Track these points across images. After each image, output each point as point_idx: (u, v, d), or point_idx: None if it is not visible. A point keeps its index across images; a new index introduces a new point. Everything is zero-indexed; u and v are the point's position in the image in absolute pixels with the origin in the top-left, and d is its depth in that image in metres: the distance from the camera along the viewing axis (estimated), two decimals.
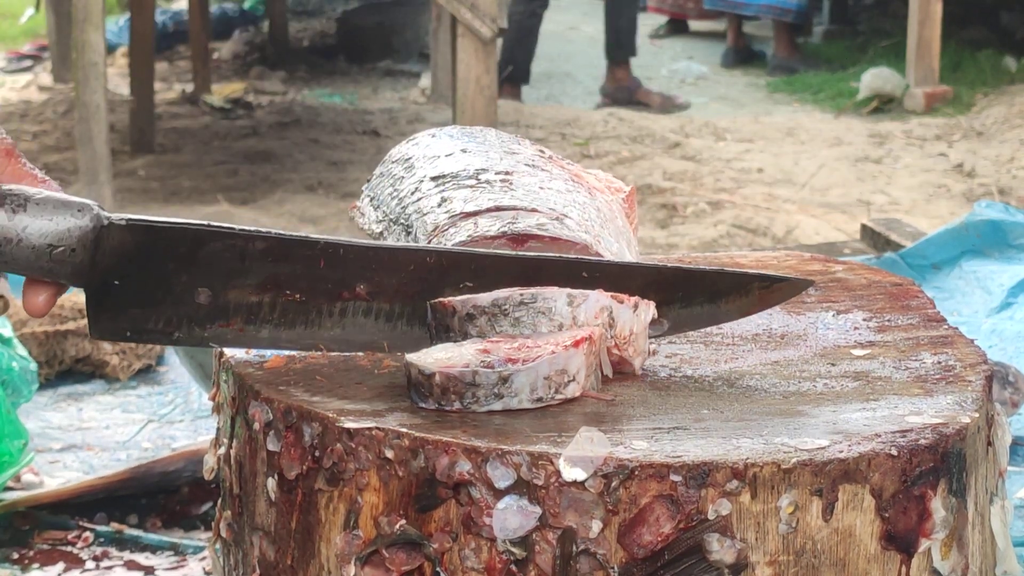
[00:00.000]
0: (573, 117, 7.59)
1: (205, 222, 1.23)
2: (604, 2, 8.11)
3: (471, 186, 1.37)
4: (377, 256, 1.23)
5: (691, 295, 1.26)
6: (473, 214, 1.32)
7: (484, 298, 1.19)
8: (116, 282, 1.21)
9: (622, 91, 8.10)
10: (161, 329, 1.22)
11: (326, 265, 1.23)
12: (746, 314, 1.28)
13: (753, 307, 1.28)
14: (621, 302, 1.20)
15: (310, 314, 1.23)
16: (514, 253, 1.26)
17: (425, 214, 1.35)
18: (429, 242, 1.32)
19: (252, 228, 1.23)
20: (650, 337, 1.25)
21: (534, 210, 1.32)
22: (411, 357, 1.15)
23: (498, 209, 1.32)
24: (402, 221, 1.38)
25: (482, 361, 1.13)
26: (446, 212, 1.33)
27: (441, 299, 1.21)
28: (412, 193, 1.40)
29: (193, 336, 1.23)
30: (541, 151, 1.49)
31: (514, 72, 8.10)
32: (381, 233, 1.42)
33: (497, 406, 1.12)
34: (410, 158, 1.47)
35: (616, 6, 8.14)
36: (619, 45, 8.21)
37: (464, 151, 1.44)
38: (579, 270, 1.24)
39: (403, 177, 1.44)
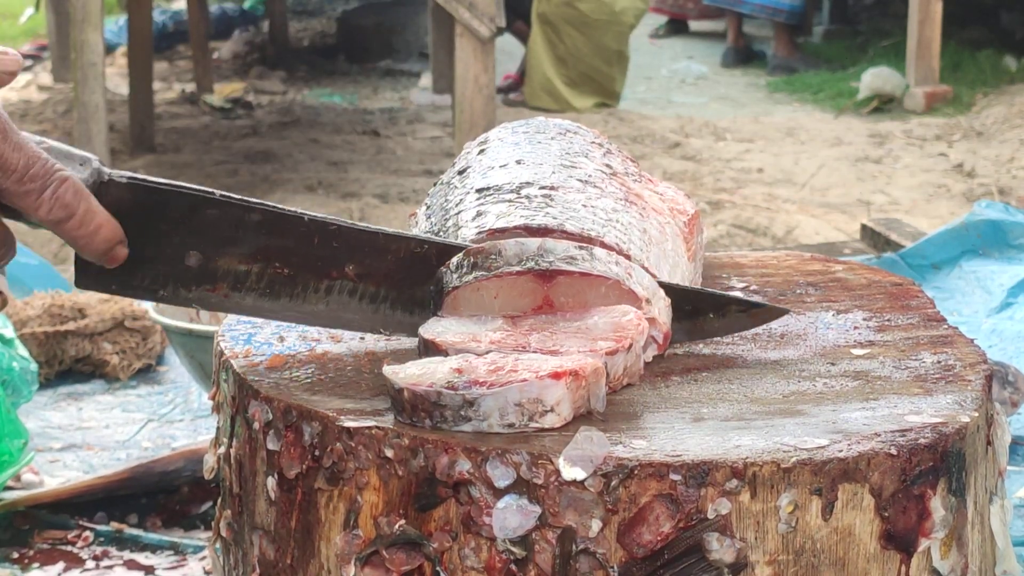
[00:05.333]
0: (573, 117, 7.59)
1: (205, 188, 1.24)
2: None
3: (509, 200, 1.35)
4: (370, 239, 1.25)
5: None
6: (502, 231, 1.30)
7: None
8: None
9: None
10: (147, 286, 1.24)
11: (319, 243, 1.24)
12: (725, 333, 1.33)
13: (731, 327, 1.32)
14: (614, 353, 1.18)
15: (296, 288, 1.25)
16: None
17: (460, 227, 1.34)
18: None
19: (251, 199, 1.24)
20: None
21: (563, 231, 1.30)
22: (387, 370, 1.13)
23: (527, 228, 1.30)
24: (442, 234, 1.36)
25: (448, 382, 1.11)
26: (477, 227, 1.31)
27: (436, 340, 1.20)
28: (456, 205, 1.38)
29: (178, 296, 1.25)
30: (608, 165, 1.45)
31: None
32: None
33: (467, 428, 1.09)
34: (467, 168, 1.45)
35: None
36: None
37: (519, 162, 1.42)
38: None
39: (456, 187, 1.42)
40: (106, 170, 1.21)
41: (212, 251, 1.24)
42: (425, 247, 1.26)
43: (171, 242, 1.23)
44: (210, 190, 1.24)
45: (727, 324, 1.32)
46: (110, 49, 8.92)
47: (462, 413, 1.09)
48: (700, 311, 1.31)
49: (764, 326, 1.37)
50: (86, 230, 1.20)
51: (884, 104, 8.09)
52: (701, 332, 1.32)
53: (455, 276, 1.23)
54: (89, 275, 1.24)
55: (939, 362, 1.26)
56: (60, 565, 1.99)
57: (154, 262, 1.23)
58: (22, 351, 2.32)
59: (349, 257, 1.25)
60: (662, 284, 1.29)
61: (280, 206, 1.25)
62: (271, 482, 1.16)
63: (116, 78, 8.38)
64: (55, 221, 1.18)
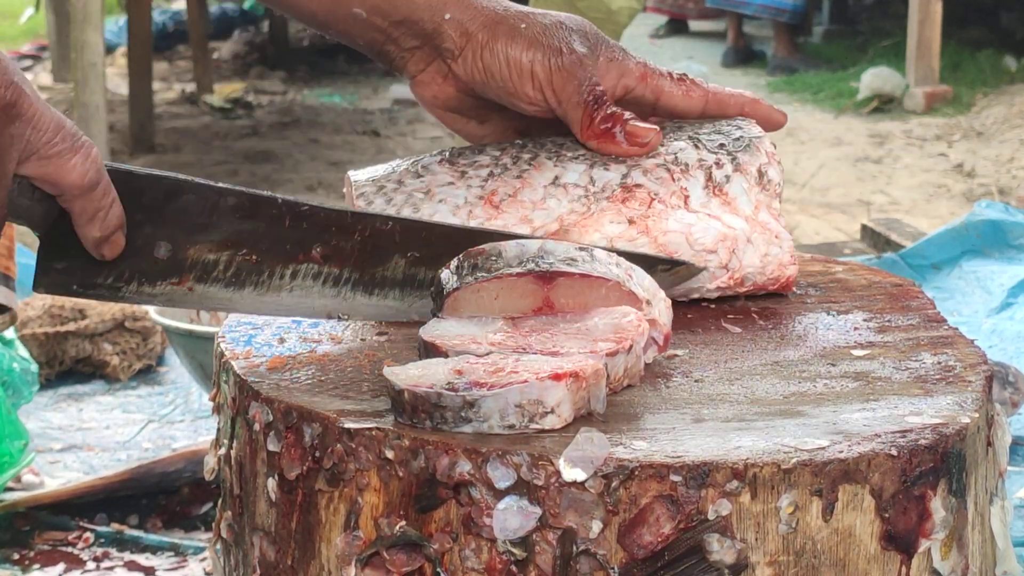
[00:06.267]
0: None
1: (180, 175, 1.23)
2: None
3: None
4: (338, 219, 1.27)
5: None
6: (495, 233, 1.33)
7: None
8: (73, 231, 1.19)
9: None
10: (110, 284, 1.22)
11: (290, 225, 1.25)
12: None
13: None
14: (614, 354, 1.18)
15: (262, 275, 1.25)
16: (461, 227, 1.33)
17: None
18: None
19: (225, 184, 1.24)
20: None
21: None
22: (387, 371, 1.13)
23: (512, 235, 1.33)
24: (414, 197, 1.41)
25: (449, 383, 1.11)
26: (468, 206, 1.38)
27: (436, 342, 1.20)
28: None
29: (141, 294, 1.23)
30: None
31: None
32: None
33: (467, 429, 1.09)
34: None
35: None
36: None
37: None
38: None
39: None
40: None
41: (183, 240, 1.22)
42: (389, 224, 1.28)
43: (142, 232, 1.21)
44: (185, 176, 1.23)
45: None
46: (110, 49, 8.92)
47: (462, 414, 1.09)
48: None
49: (764, 328, 1.37)
50: (107, 201, 1.18)
51: (884, 104, 8.09)
52: None
53: (455, 278, 1.24)
54: (51, 275, 1.21)
55: (939, 363, 1.26)
56: (61, 566, 1.99)
57: (121, 257, 1.21)
58: (22, 352, 2.32)
59: (317, 238, 1.26)
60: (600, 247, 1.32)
61: (254, 190, 1.26)
62: (271, 483, 1.16)
63: (116, 78, 8.38)
64: (88, 186, 1.16)
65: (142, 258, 1.21)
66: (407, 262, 1.29)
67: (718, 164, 1.43)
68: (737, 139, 1.46)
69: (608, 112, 1.41)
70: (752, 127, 1.49)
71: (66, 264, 1.20)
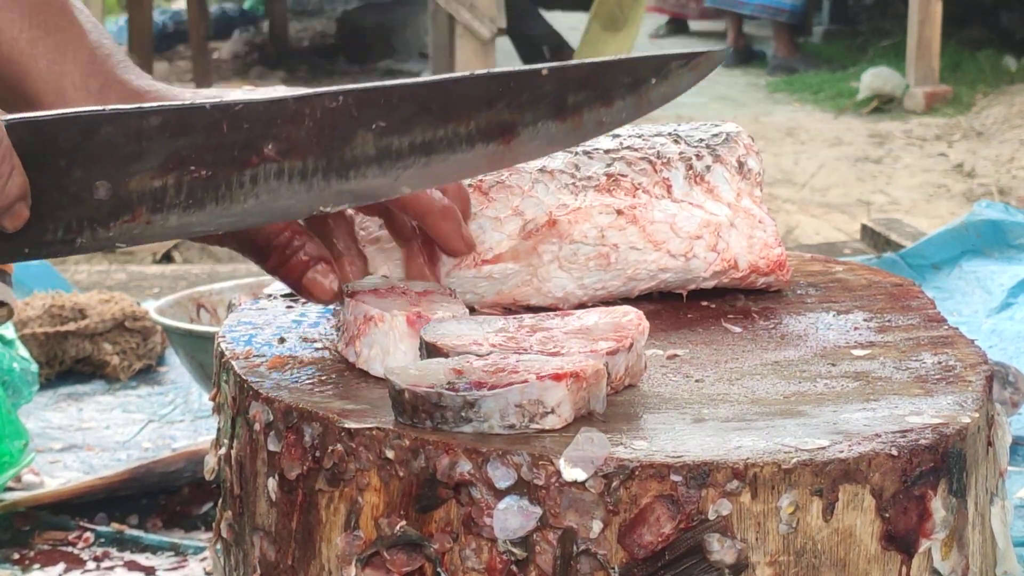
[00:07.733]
0: None
1: (93, 107, 1.13)
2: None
3: None
4: (279, 109, 1.16)
5: (611, 89, 1.20)
6: None
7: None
8: None
9: None
10: (61, 238, 1.14)
11: (229, 129, 1.14)
12: (669, 99, 1.22)
13: (675, 89, 1.22)
14: (615, 353, 1.18)
15: (219, 189, 1.15)
16: (426, 80, 1.19)
17: None
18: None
19: (146, 105, 1.14)
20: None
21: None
22: (388, 371, 1.13)
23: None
24: None
25: (449, 383, 1.11)
26: None
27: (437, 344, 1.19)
28: None
29: (97, 240, 1.14)
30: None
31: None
32: None
33: (467, 429, 1.09)
34: None
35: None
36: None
37: None
38: (497, 86, 1.18)
39: None
40: None
41: (119, 175, 1.12)
42: (340, 99, 1.17)
43: (73, 178, 1.12)
44: (98, 107, 1.13)
45: (671, 85, 1.21)
46: None
47: (463, 414, 1.09)
48: (641, 79, 1.21)
49: (764, 328, 1.37)
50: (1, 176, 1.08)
51: (884, 104, 8.10)
52: (648, 103, 1.21)
53: None
54: None
55: (940, 363, 1.26)
56: (61, 566, 1.99)
57: (61, 208, 1.13)
58: (22, 352, 2.32)
59: (264, 135, 1.14)
60: (601, 63, 1.21)
61: (178, 102, 1.17)
62: (272, 483, 1.16)
63: None
64: None
65: (83, 204, 1.13)
66: (374, 135, 1.17)
67: (698, 156, 1.48)
68: (715, 135, 1.51)
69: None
70: (730, 125, 1.54)
71: (8, 234, 1.13)
